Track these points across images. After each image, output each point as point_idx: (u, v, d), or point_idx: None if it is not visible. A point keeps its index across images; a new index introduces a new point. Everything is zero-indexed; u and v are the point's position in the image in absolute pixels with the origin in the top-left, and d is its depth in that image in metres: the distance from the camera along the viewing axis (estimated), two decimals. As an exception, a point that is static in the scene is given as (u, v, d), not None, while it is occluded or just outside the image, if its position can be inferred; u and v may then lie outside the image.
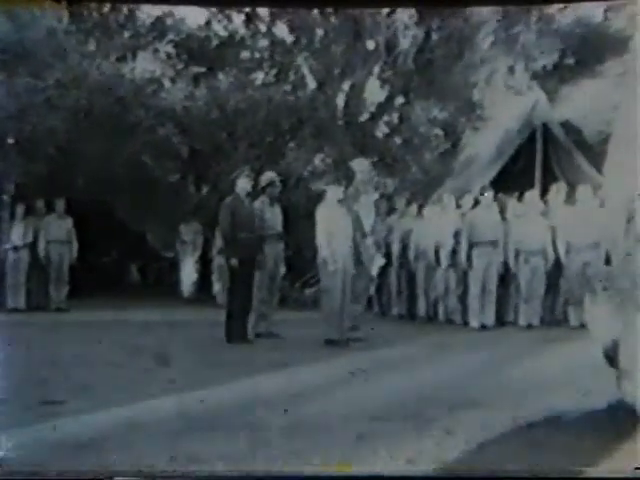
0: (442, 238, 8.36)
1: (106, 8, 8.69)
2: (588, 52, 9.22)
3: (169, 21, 9.01)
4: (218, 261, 8.85)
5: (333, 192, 7.17)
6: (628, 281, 4.19)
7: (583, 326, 5.13)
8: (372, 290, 9.13)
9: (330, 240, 6.96)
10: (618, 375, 4.17)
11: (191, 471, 3.87)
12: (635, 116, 4.35)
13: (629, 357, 4.09)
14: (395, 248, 8.79)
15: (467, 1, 7.68)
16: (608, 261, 7.32)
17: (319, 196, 7.54)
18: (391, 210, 9.06)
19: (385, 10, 9.36)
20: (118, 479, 3.90)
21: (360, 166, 7.68)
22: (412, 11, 9.29)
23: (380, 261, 8.71)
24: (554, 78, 9.43)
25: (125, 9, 8.64)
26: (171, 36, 9.07)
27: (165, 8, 8.83)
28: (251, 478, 3.92)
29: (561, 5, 8.96)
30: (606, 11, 8.92)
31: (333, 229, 7.00)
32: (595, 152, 8.62)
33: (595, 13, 9.07)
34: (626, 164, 4.26)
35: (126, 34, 8.98)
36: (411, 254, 8.61)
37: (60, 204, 8.83)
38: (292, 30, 9.41)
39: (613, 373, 4.27)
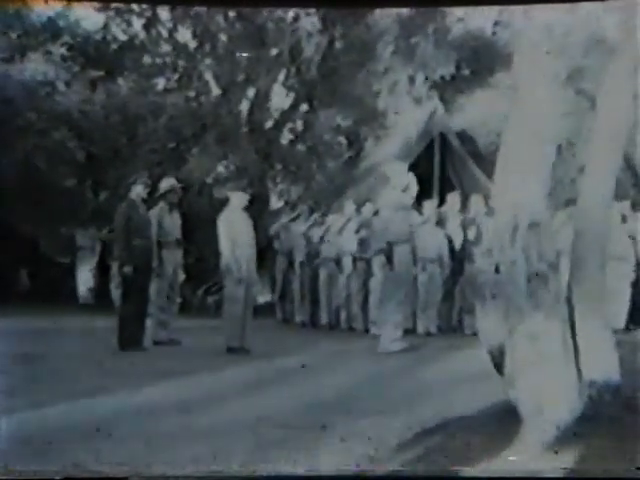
0: (344, 246, 8.46)
1: (-11, 4, 8.32)
2: (480, 64, 9.52)
3: (63, 22, 8.72)
4: (116, 267, 8.64)
5: (236, 199, 7.13)
6: (513, 289, 4.35)
7: (475, 334, 5.30)
8: (275, 297, 9.17)
9: (233, 247, 6.92)
10: (504, 381, 4.33)
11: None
12: (521, 128, 4.52)
13: (513, 363, 4.26)
14: (298, 255, 8.83)
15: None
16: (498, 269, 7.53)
17: (222, 203, 7.47)
18: (295, 217, 9.11)
19: (289, 17, 9.39)
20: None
21: None
22: (315, 19, 9.36)
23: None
24: (451, 88, 9.70)
25: (11, 7, 8.25)
26: (66, 38, 8.78)
27: (58, 8, 8.53)
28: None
29: (456, 17, 9.23)
30: (494, 25, 9.25)
31: (236, 236, 6.96)
32: (488, 162, 8.89)
33: (485, 27, 9.38)
34: (512, 175, 4.43)
35: (13, 34, 8.61)
36: (314, 261, 8.66)
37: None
38: (195, 35, 9.31)
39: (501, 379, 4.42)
